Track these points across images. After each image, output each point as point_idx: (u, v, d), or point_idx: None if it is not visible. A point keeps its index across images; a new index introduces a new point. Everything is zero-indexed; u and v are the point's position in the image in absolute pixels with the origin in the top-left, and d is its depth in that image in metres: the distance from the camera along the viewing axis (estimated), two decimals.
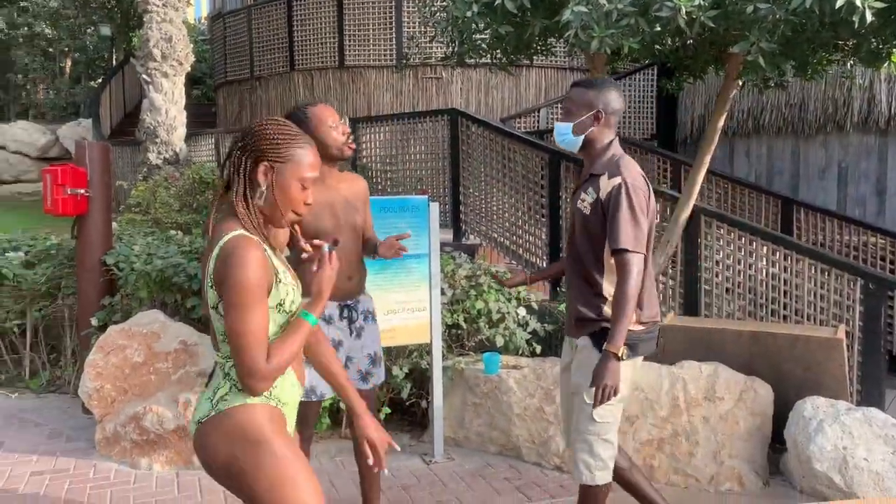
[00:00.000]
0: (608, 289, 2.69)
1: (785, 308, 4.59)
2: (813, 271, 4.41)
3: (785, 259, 4.54)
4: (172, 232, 5.84)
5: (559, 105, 2.81)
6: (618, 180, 2.64)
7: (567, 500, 3.61)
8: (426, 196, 4.27)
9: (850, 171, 7.69)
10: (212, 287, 1.80)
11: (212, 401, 1.83)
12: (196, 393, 4.02)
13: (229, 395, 1.81)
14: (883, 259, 6.69)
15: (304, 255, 1.98)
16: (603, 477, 2.72)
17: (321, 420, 4.31)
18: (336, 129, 2.87)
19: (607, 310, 2.68)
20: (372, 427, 2.04)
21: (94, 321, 4.77)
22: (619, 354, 2.52)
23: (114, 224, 5.47)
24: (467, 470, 3.91)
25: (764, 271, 4.63)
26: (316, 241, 1.94)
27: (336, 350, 2.73)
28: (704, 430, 3.87)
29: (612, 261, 2.64)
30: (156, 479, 3.87)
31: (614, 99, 2.73)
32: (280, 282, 1.85)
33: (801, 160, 8.09)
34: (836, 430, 3.61)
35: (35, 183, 14.41)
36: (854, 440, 3.58)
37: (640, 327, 2.70)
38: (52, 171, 4.64)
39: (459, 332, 4.59)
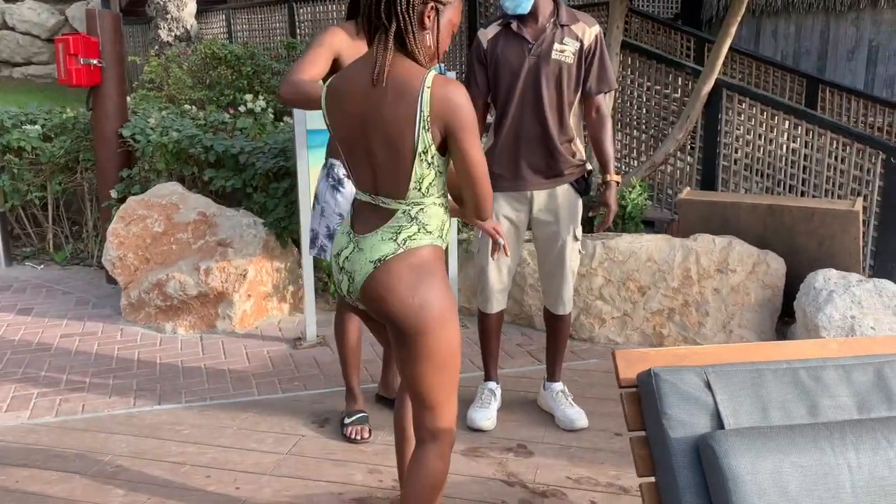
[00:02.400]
0: (576, 135, 2.94)
1: (804, 184, 4.56)
2: (834, 146, 4.35)
3: (807, 134, 4.46)
4: (187, 107, 5.80)
5: None
6: (597, 27, 2.88)
7: (575, 363, 3.72)
8: (442, 64, 4.19)
9: (881, 51, 7.43)
10: (426, 130, 1.78)
11: (395, 241, 1.88)
12: (217, 262, 4.11)
13: (418, 236, 1.88)
14: None
15: None
16: None
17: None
18: None
19: (581, 155, 2.97)
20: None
21: (113, 193, 4.83)
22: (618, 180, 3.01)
23: (128, 100, 5.44)
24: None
25: (784, 147, 4.57)
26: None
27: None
28: (715, 300, 3.93)
29: (579, 104, 2.92)
30: (180, 341, 4.02)
31: None
32: None
33: (830, 39, 7.82)
34: (845, 300, 3.65)
35: (46, 65, 14.24)
36: (863, 310, 3.63)
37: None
38: (64, 41, 4.59)
39: None
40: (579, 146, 2.96)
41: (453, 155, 1.82)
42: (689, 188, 4.70)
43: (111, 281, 4.76)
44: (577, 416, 3.04)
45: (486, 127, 3.14)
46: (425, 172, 1.83)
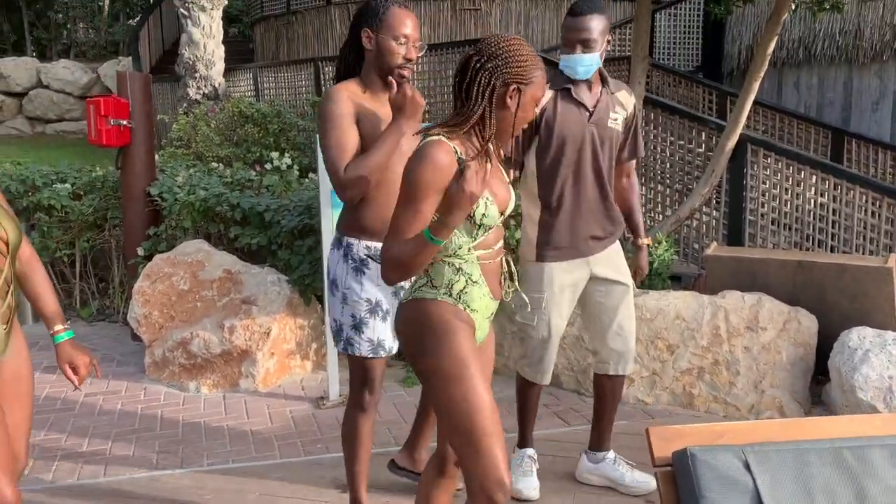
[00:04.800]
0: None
1: (833, 239, 4.49)
2: (863, 201, 4.29)
3: (835, 189, 4.41)
4: (214, 164, 5.89)
5: (576, 38, 2.70)
6: (633, 97, 2.95)
7: None
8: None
9: None
10: None
11: (412, 289, 2.01)
12: (241, 320, 4.11)
13: (423, 288, 1.97)
14: None
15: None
16: None
17: None
18: (404, 45, 2.41)
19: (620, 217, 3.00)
20: None
21: (140, 251, 4.88)
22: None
23: (156, 157, 5.53)
24: (506, 396, 3.95)
25: (812, 202, 4.52)
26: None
27: (376, 310, 2.51)
28: (746, 359, 3.84)
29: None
30: (204, 400, 4.00)
31: None
32: None
33: (853, 91, 7.80)
34: (882, 359, 3.55)
35: (78, 122, 14.62)
36: None
37: None
38: (95, 102, 4.69)
39: None
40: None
41: None
42: (715, 243, 4.64)
43: (136, 338, 4.77)
44: (648, 477, 2.96)
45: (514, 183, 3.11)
46: None
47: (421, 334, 1.94)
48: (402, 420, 3.66)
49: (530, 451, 3.06)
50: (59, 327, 2.24)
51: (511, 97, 1.88)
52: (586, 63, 2.71)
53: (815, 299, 3.96)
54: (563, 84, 2.79)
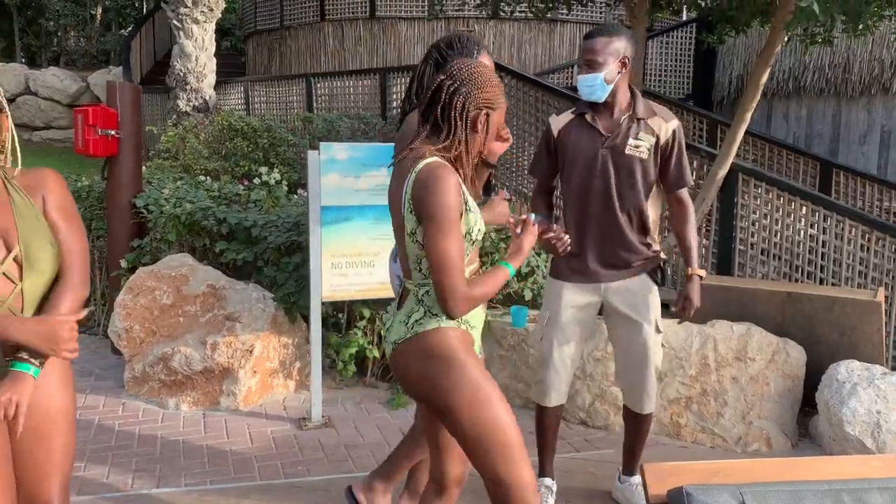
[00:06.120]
0: (652, 227, 2.85)
1: (822, 271, 4.49)
2: (853, 233, 4.29)
3: (824, 220, 4.42)
4: (201, 178, 5.83)
5: (583, 59, 2.70)
6: (675, 122, 2.80)
7: (591, 453, 3.59)
8: None
9: (893, 136, 7.45)
10: (410, 212, 1.86)
11: (406, 324, 1.93)
12: (224, 336, 4.04)
13: (424, 319, 1.91)
14: None
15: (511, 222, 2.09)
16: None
17: (346, 368, 4.32)
18: None
19: (656, 247, 2.88)
20: None
21: (123, 263, 4.80)
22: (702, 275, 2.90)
23: (143, 169, 5.47)
24: None
25: (802, 232, 4.52)
26: (524, 217, 2.04)
27: None
28: (734, 390, 3.81)
29: (654, 199, 2.83)
30: (183, 418, 3.91)
31: (631, 45, 2.79)
32: (469, 210, 1.91)
33: (842, 123, 7.87)
34: (870, 393, 3.53)
35: (66, 130, 14.51)
36: (888, 404, 3.50)
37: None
38: (84, 112, 4.63)
39: None
40: (654, 237, 2.89)
41: None
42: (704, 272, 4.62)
43: (116, 352, 4.68)
44: None
45: (550, 214, 3.07)
46: (420, 254, 1.89)
47: (427, 371, 1.89)
48: (386, 443, 3.59)
49: (548, 482, 3.02)
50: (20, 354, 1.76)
51: (481, 122, 1.92)
52: (588, 82, 2.70)
53: (804, 331, 3.94)
54: (583, 109, 2.79)
